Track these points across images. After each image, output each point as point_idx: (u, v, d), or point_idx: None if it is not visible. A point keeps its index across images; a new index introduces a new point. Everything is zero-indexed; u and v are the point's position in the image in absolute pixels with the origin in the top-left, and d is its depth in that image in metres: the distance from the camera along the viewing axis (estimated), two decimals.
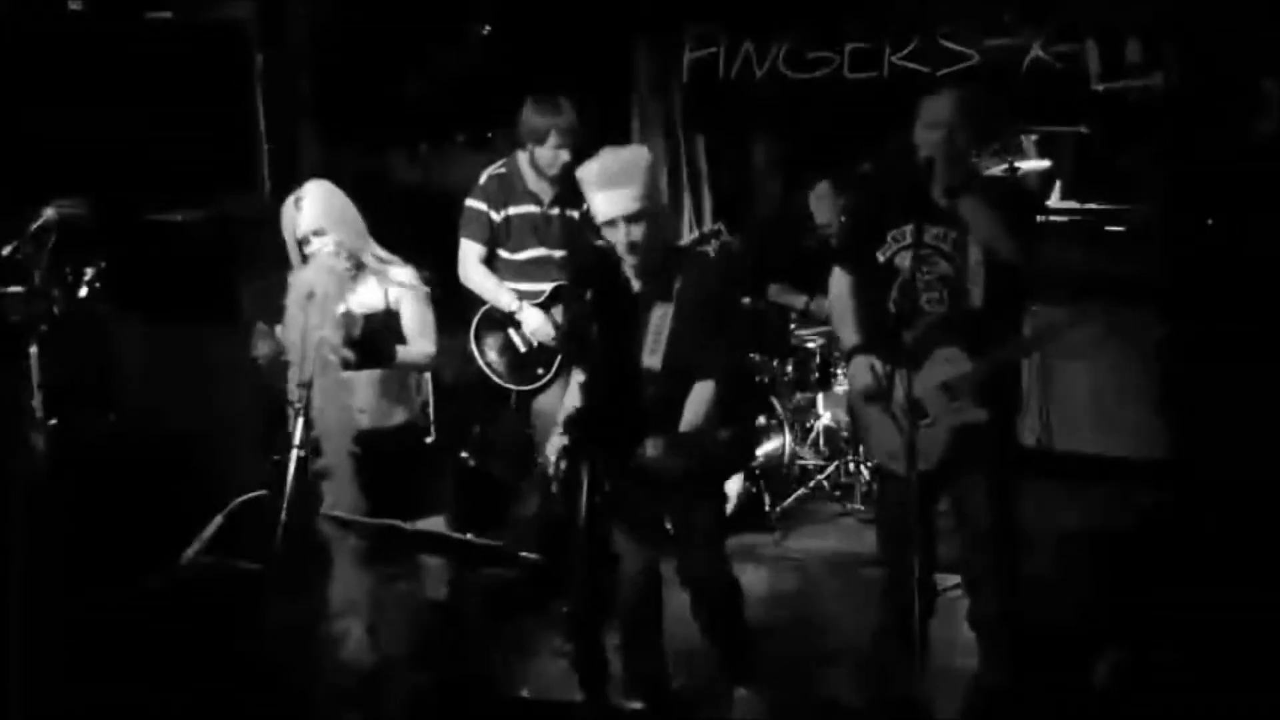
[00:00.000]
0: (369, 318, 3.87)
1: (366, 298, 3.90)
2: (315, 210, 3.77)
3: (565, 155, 4.56)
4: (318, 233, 3.77)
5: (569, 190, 4.62)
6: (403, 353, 3.93)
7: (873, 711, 3.92)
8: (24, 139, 4.97)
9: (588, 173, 3.45)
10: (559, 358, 4.68)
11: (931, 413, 3.65)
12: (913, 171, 3.73)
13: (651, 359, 3.40)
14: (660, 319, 3.41)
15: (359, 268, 3.88)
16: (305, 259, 3.82)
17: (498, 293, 4.70)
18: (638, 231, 3.38)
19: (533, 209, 4.71)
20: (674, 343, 3.41)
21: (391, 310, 3.90)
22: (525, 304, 4.68)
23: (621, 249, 3.40)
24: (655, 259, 3.45)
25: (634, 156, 3.46)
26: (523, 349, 4.71)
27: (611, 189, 3.36)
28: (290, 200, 3.82)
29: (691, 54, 6.91)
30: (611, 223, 3.38)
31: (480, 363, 4.73)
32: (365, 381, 3.90)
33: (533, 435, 4.86)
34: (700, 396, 3.44)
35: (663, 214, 3.45)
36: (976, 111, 3.73)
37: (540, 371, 4.70)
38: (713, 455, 3.51)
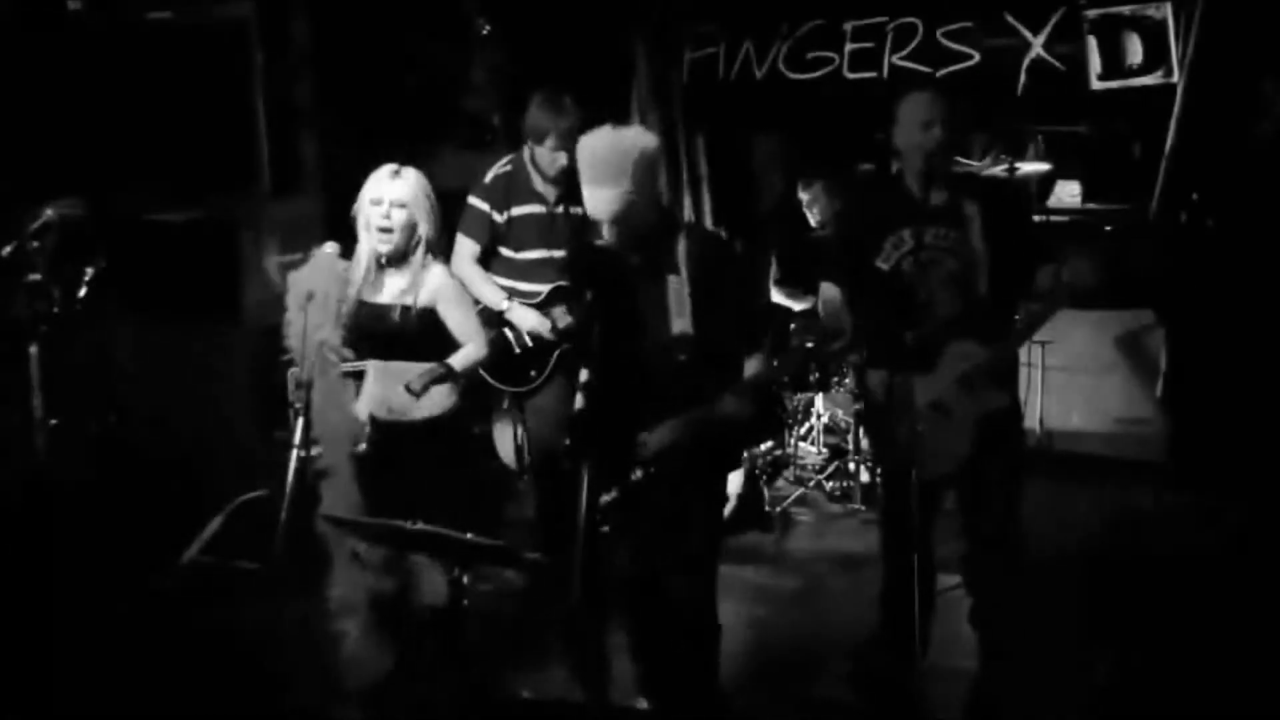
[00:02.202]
0: (390, 309, 3.82)
1: (395, 289, 3.84)
2: (410, 186, 3.74)
3: (563, 159, 4.49)
4: (401, 205, 3.72)
5: (575, 189, 4.58)
6: (461, 359, 3.84)
7: (872, 711, 3.91)
8: (24, 139, 4.97)
9: (580, 159, 3.36)
10: (552, 360, 4.65)
11: (954, 408, 3.64)
12: (902, 175, 3.73)
13: (681, 323, 3.34)
14: (678, 288, 3.36)
15: (401, 258, 3.82)
16: (368, 229, 3.78)
17: (487, 290, 4.66)
18: (622, 230, 3.31)
19: (538, 209, 4.66)
20: (700, 311, 3.35)
21: (422, 309, 3.84)
22: (515, 303, 4.65)
23: (610, 237, 3.34)
24: (650, 239, 3.37)
25: (620, 147, 3.29)
26: (516, 349, 4.68)
27: (596, 187, 3.28)
28: (388, 168, 3.77)
29: (691, 54, 6.91)
30: (601, 219, 3.32)
31: None
32: (382, 371, 3.84)
33: (527, 436, 4.85)
34: (756, 362, 3.42)
35: (656, 197, 3.37)
36: (964, 107, 3.72)
37: (532, 374, 4.67)
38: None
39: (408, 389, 3.67)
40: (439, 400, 3.85)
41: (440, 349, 3.82)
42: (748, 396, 3.38)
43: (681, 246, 3.37)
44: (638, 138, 3.34)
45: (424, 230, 3.77)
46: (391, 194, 3.73)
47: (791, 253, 6.36)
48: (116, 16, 5.46)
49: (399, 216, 3.72)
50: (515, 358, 4.67)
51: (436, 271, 3.84)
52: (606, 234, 3.33)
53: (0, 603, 4.11)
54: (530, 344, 4.65)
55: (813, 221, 6.25)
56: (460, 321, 3.86)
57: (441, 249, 3.90)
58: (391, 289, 3.82)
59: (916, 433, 3.51)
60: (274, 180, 5.90)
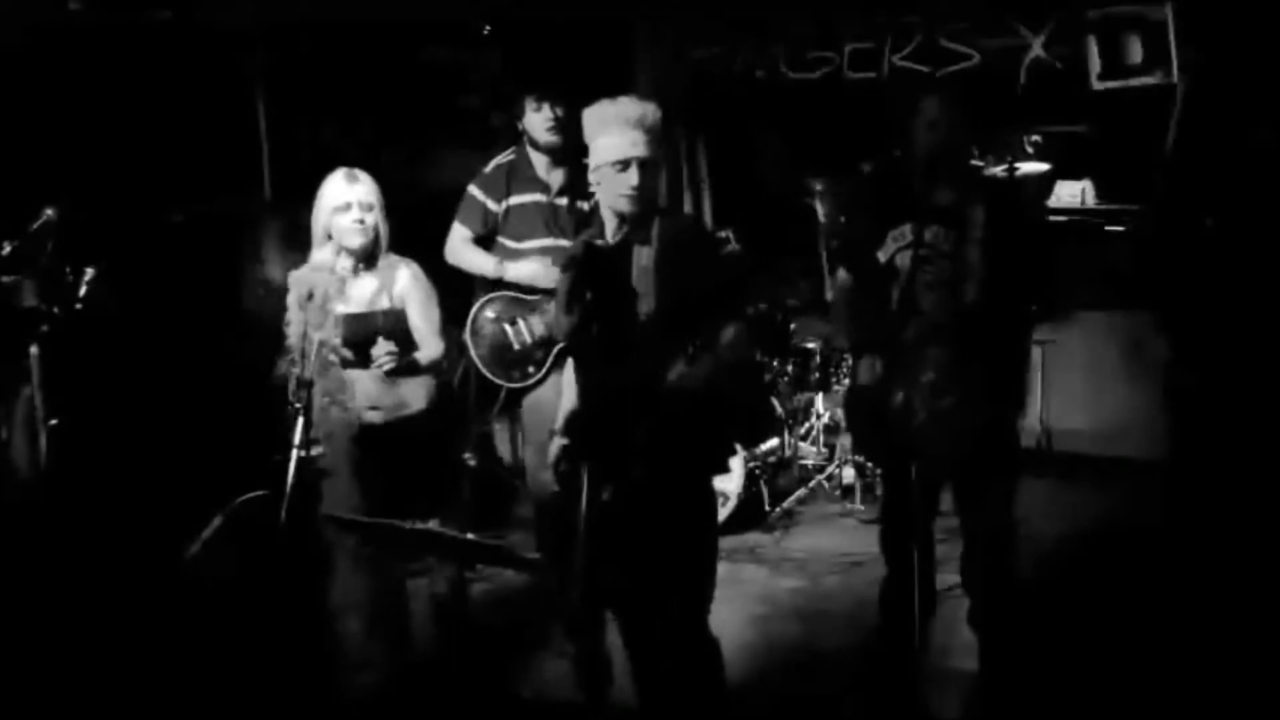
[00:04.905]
0: (373, 315, 3.85)
1: (367, 293, 3.88)
2: (370, 187, 3.83)
3: (548, 112, 4.51)
4: (369, 207, 3.80)
5: (577, 179, 4.56)
6: (424, 356, 3.92)
7: (873, 711, 3.91)
8: (24, 139, 4.97)
9: (601, 112, 3.34)
10: (552, 357, 4.64)
11: (920, 411, 3.63)
12: (910, 171, 3.74)
13: (645, 301, 3.28)
14: (645, 264, 3.34)
15: (370, 262, 3.86)
16: (329, 236, 3.83)
17: (480, 259, 4.65)
18: (646, 178, 3.28)
19: (539, 197, 4.62)
20: (663, 286, 3.29)
21: (395, 309, 3.88)
22: (509, 263, 4.60)
23: (625, 191, 3.28)
24: (645, 212, 3.35)
25: (651, 107, 3.34)
26: (516, 346, 4.67)
27: (628, 129, 3.27)
28: (341, 172, 3.84)
29: (691, 54, 6.91)
30: (625, 163, 3.27)
31: (473, 354, 4.70)
32: (370, 376, 3.87)
33: (522, 434, 4.84)
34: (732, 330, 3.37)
35: (661, 170, 3.35)
36: (974, 109, 3.73)
37: (531, 370, 4.66)
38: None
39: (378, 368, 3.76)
40: (416, 398, 3.90)
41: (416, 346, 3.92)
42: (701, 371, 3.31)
43: (655, 227, 3.35)
44: (655, 107, 3.34)
45: (385, 230, 3.86)
46: (358, 196, 3.80)
47: (798, 251, 6.38)
48: (116, 16, 5.46)
49: (370, 218, 3.81)
50: (515, 353, 4.66)
51: (404, 271, 3.91)
52: (632, 179, 3.28)
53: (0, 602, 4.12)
54: (530, 341, 4.64)
55: (822, 218, 6.26)
56: (422, 320, 3.93)
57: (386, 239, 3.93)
58: (364, 294, 3.87)
59: (894, 426, 3.53)
60: (274, 180, 5.90)
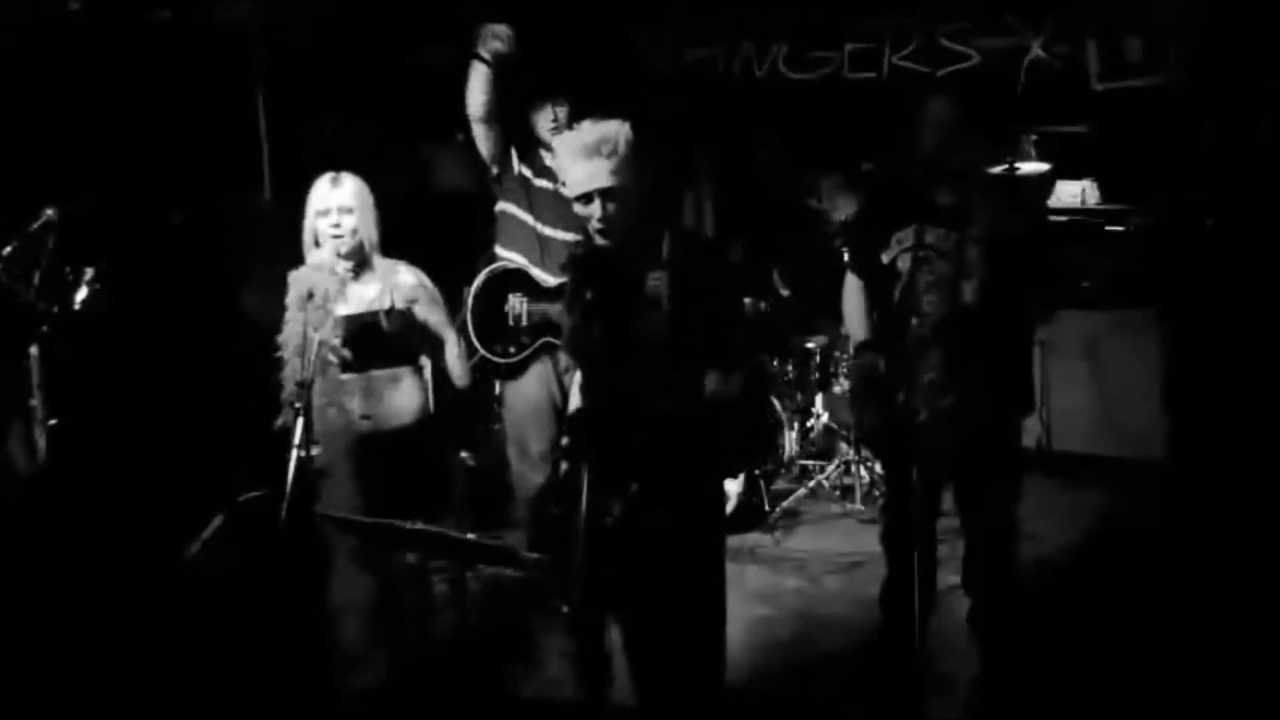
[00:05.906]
0: (377, 315, 3.86)
1: (369, 296, 3.89)
2: (351, 191, 3.84)
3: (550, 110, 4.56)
4: (348, 210, 3.81)
5: None
6: (458, 369, 4.02)
7: (872, 712, 3.91)
8: (24, 139, 4.97)
9: (565, 143, 3.32)
10: (533, 347, 4.62)
11: (922, 410, 3.64)
12: (914, 173, 3.75)
13: (656, 327, 3.29)
14: (654, 287, 3.33)
15: (363, 265, 3.88)
16: (316, 243, 3.83)
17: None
18: (612, 208, 3.25)
19: (547, 185, 4.64)
20: (676, 308, 3.28)
21: (400, 310, 3.89)
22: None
23: (593, 225, 3.28)
24: (635, 236, 3.32)
25: (613, 129, 3.28)
26: (510, 322, 4.65)
27: (588, 160, 3.23)
28: (326, 177, 3.86)
29: (691, 54, 6.90)
30: (586, 197, 3.25)
31: (468, 313, 4.66)
32: (363, 382, 3.88)
33: (502, 429, 4.83)
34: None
35: (642, 191, 3.30)
36: (977, 111, 3.74)
37: (512, 350, 4.62)
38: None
39: None
40: (407, 408, 3.91)
41: (418, 348, 3.99)
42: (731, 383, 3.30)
43: (664, 247, 3.33)
44: (620, 125, 3.30)
45: (366, 233, 3.86)
46: (337, 201, 3.82)
47: (802, 254, 6.38)
48: (116, 16, 5.46)
49: (348, 222, 3.81)
50: (505, 327, 4.64)
51: (406, 274, 3.94)
52: (595, 212, 3.27)
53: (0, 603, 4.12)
54: (523, 319, 4.62)
55: (834, 219, 6.27)
56: (437, 321, 4.01)
57: (376, 241, 3.94)
58: (364, 298, 3.87)
59: (895, 426, 3.53)
60: (274, 181, 5.90)
